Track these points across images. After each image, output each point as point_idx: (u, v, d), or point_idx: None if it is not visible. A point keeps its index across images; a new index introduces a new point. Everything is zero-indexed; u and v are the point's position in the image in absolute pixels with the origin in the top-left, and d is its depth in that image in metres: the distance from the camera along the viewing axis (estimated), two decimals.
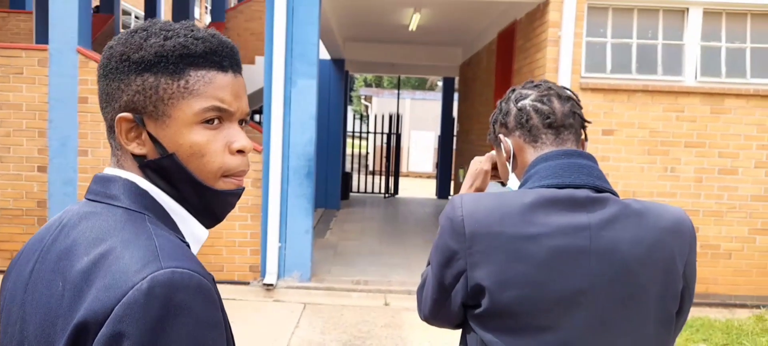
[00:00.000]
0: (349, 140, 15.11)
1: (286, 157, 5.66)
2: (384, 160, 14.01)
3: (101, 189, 0.82)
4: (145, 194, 0.82)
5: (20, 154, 5.69)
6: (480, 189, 1.42)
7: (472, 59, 10.02)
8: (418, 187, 17.12)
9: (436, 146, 20.82)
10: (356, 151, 17.60)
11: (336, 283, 5.76)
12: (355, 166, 19.21)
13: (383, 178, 13.95)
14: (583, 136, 1.24)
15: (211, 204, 0.85)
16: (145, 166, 0.83)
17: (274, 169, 5.57)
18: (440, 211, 9.58)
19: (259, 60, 9.93)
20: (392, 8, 8.14)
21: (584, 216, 1.08)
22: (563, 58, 5.48)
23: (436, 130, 21.91)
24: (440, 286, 1.14)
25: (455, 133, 11.55)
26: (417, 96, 22.78)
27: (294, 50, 5.60)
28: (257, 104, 11.71)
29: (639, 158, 5.66)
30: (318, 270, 6.19)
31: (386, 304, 5.40)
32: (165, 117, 0.81)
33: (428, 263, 1.24)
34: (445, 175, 13.74)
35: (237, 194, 0.86)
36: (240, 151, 0.85)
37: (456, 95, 15.22)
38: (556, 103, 1.20)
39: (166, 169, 0.82)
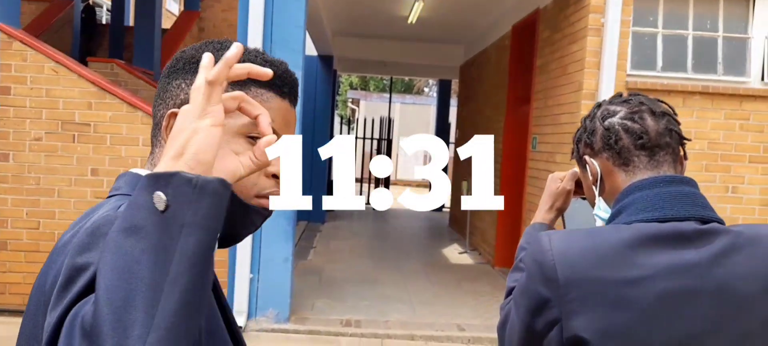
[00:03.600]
0: None
1: None
2: None
3: (114, 186, 0.83)
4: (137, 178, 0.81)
5: None
6: (561, 210, 1.30)
7: (477, 58, 8.98)
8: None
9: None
10: None
11: (321, 324, 4.64)
12: None
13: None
14: (681, 153, 1.09)
15: (234, 216, 0.79)
16: None
17: None
18: (435, 224, 8.48)
19: None
20: None
21: (693, 253, 0.97)
22: (607, 50, 4.44)
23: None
24: (529, 332, 1.02)
25: (455, 140, 10.50)
26: (407, 100, 21.75)
27: (274, 35, 4.49)
28: None
29: (695, 175, 4.59)
30: (299, 305, 5.06)
31: None
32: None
33: (507, 294, 1.15)
34: None
35: (263, 215, 0.83)
36: (275, 176, 0.82)
37: (452, 100, 14.21)
38: (650, 121, 1.06)
39: None
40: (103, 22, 12.15)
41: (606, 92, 4.45)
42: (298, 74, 4.52)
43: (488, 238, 7.41)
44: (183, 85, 0.81)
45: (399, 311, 5.11)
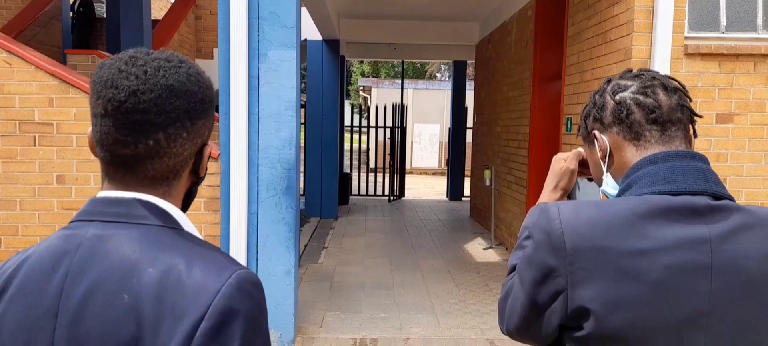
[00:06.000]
0: (346, 135, 13.33)
1: (253, 166, 3.87)
2: (387, 157, 12.25)
3: (120, 210, 0.83)
4: (166, 213, 0.86)
5: None
6: (566, 190, 1.28)
7: (494, 34, 8.23)
8: (424, 186, 15.34)
9: (444, 140, 19.12)
10: (355, 146, 15.84)
11: (332, 344, 3.99)
12: (354, 162, 17.48)
13: (387, 177, 12.19)
14: (691, 132, 1.08)
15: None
16: (194, 185, 0.94)
17: (237, 184, 3.79)
18: (455, 216, 7.67)
19: None
20: None
21: (703, 228, 0.95)
22: (660, 9, 3.70)
23: (441, 123, 20.18)
24: (532, 304, 1.02)
25: (473, 124, 9.76)
26: (420, 86, 20.97)
27: (261, 8, 3.81)
28: None
29: None
30: (306, 320, 4.42)
31: None
32: (205, 147, 0.93)
33: (510, 271, 1.12)
34: (458, 172, 11.97)
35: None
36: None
37: (469, 84, 13.47)
38: (662, 96, 1.05)
39: (195, 191, 0.95)
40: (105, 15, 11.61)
41: (660, 59, 3.72)
42: (290, 54, 3.86)
43: (515, 231, 6.70)
44: (207, 123, 0.90)
45: (421, 324, 4.45)
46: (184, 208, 0.92)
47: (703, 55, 3.81)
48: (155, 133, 0.82)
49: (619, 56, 4.00)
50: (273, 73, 3.87)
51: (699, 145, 3.75)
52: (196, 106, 0.86)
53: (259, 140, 3.87)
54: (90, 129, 0.86)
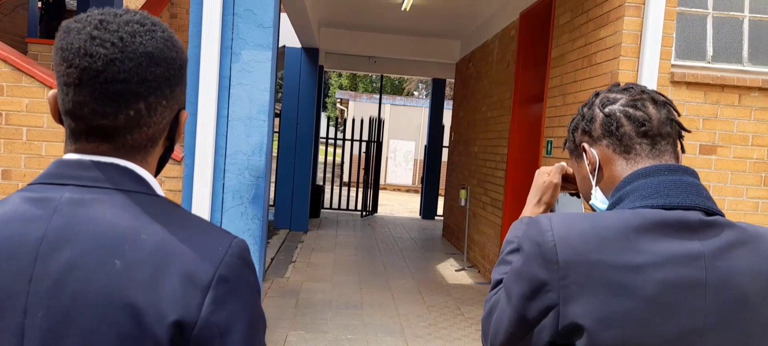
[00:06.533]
0: (321, 146, 13.09)
1: (220, 172, 3.64)
2: (362, 171, 12.06)
3: (97, 175, 0.79)
4: (143, 180, 0.83)
5: None
6: (549, 204, 1.27)
7: (476, 53, 8.15)
8: (398, 203, 15.16)
9: (420, 158, 19.03)
10: (329, 158, 15.60)
11: None
12: (328, 175, 17.22)
13: (360, 191, 11.99)
14: (679, 147, 1.08)
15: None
16: (167, 151, 0.91)
17: (200, 190, 3.55)
18: (428, 235, 7.47)
19: None
20: None
21: (697, 243, 0.93)
22: (649, 33, 3.62)
23: (417, 140, 20.12)
24: (521, 319, 0.97)
25: (449, 142, 9.65)
26: (397, 101, 20.89)
27: (236, 4, 3.60)
28: None
29: (752, 190, 3.82)
30: (268, 339, 4.17)
31: None
32: (181, 113, 0.91)
33: (494, 286, 1.09)
34: (432, 191, 11.84)
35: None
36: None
37: (447, 103, 13.40)
38: (652, 109, 1.04)
39: (168, 157, 0.92)
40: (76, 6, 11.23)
41: (646, 85, 3.62)
42: (266, 55, 3.66)
43: (489, 254, 6.56)
44: (183, 88, 0.86)
45: None
46: (156, 174, 0.89)
47: (689, 84, 3.73)
48: (136, 103, 0.79)
49: (604, 80, 3.90)
50: (246, 74, 3.66)
51: None
52: (175, 73, 0.83)
53: (228, 145, 3.64)
54: (52, 92, 0.80)
